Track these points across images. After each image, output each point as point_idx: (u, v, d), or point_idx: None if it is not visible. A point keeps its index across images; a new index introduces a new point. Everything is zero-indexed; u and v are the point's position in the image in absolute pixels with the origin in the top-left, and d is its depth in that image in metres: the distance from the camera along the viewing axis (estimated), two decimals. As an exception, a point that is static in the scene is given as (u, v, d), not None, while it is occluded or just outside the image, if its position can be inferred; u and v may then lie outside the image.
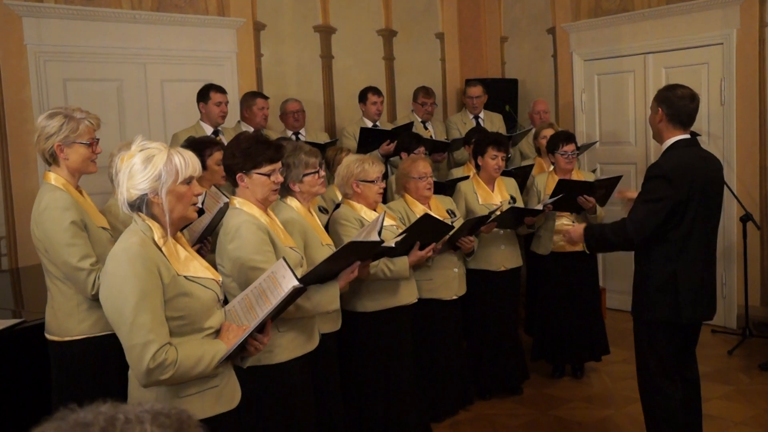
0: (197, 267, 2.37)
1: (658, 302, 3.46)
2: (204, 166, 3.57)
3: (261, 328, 2.40)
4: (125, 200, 2.26)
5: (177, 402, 2.28)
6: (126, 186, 2.24)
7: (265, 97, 5.81)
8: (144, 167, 2.22)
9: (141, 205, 2.26)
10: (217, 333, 2.38)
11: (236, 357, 2.46)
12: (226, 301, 2.59)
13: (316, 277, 2.93)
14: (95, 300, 3.02)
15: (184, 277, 2.29)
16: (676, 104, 3.44)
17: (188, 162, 2.29)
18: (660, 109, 3.46)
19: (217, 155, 3.95)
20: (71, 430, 0.88)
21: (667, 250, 3.43)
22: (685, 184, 3.35)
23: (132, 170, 2.23)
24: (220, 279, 2.47)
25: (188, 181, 2.30)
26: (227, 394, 2.43)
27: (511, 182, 5.09)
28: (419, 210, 4.32)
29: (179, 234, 2.43)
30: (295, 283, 2.38)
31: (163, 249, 2.27)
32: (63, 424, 0.89)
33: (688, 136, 3.49)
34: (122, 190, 2.25)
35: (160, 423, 0.91)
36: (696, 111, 3.49)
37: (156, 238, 2.26)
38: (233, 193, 3.10)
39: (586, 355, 5.26)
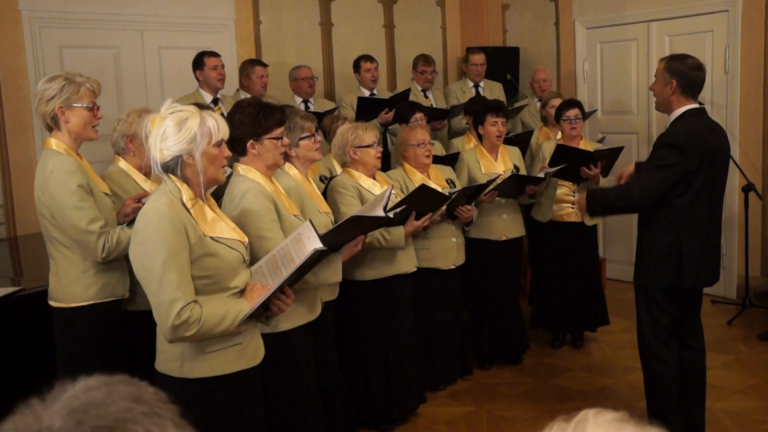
0: (224, 228, 2.45)
1: (662, 268, 3.49)
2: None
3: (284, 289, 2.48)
4: (158, 162, 2.32)
5: (201, 357, 2.38)
6: (159, 147, 2.30)
7: (264, 65, 5.75)
8: (178, 129, 2.29)
9: (174, 166, 2.33)
10: (242, 293, 2.46)
11: (261, 316, 2.54)
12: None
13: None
14: (105, 263, 3.01)
15: (211, 237, 2.36)
16: (690, 75, 3.45)
17: (220, 125, 2.38)
18: (674, 81, 3.45)
19: None
20: None
21: (673, 218, 3.46)
22: (695, 154, 3.37)
23: (165, 132, 2.29)
24: (247, 240, 2.55)
25: (219, 143, 2.38)
26: (250, 351, 2.52)
27: (515, 151, 5.06)
28: (418, 179, 4.29)
29: (207, 195, 2.50)
30: (318, 245, 2.44)
31: (191, 210, 2.34)
32: None
33: (697, 105, 3.51)
34: (155, 152, 2.31)
35: None
36: (704, 81, 3.54)
37: (185, 200, 2.34)
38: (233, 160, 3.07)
39: (582, 324, 5.27)
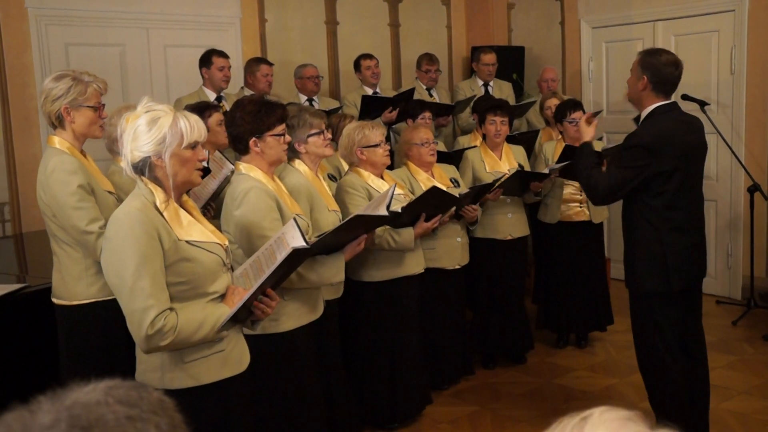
0: (201, 231, 2.33)
1: (649, 273, 3.40)
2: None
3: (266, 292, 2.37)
4: (129, 162, 2.22)
5: (182, 366, 2.27)
6: (130, 147, 2.20)
7: (270, 64, 5.75)
8: (149, 129, 2.18)
9: (144, 168, 2.22)
10: (223, 297, 2.35)
11: (245, 321, 2.43)
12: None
13: (321, 248, 2.91)
14: None
15: (186, 241, 2.25)
16: (662, 72, 3.30)
17: (194, 126, 2.25)
18: (645, 77, 3.32)
19: (216, 116, 3.95)
20: None
21: (652, 219, 3.36)
22: (668, 153, 3.26)
23: (137, 131, 2.19)
24: (226, 243, 2.43)
25: (193, 145, 2.26)
26: (234, 358, 2.41)
27: (519, 150, 5.06)
28: (422, 178, 4.29)
29: (185, 198, 2.39)
30: (297, 244, 2.34)
31: (165, 214, 2.23)
32: None
33: (667, 102, 3.38)
34: (126, 152, 2.21)
35: None
36: (680, 78, 3.37)
37: (158, 203, 2.23)
38: (234, 158, 3.06)
39: (590, 324, 5.27)
